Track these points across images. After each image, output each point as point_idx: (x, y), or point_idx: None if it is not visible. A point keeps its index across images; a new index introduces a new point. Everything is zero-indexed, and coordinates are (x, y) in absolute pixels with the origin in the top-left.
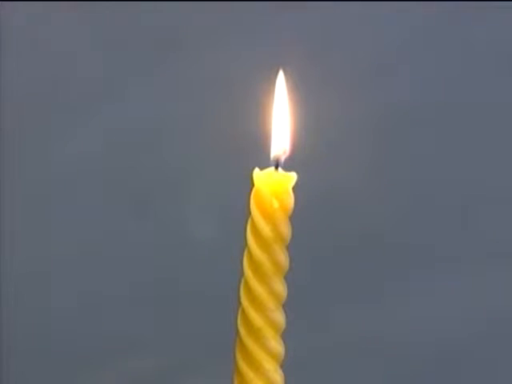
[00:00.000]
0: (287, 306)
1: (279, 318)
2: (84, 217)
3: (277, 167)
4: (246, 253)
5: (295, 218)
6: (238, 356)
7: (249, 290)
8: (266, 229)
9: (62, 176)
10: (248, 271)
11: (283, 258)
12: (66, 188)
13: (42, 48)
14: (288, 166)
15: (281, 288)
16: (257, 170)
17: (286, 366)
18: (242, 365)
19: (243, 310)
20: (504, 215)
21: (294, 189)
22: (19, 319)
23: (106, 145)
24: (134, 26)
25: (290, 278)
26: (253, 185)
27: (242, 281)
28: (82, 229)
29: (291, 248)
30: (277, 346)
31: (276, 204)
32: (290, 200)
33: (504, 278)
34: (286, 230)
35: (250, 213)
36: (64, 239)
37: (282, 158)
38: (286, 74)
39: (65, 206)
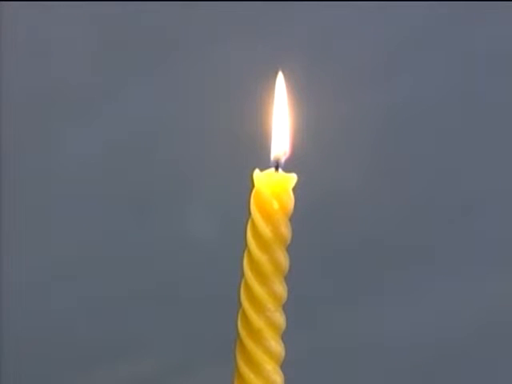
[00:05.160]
0: (287, 307)
1: (279, 318)
2: (84, 217)
3: (277, 168)
4: (246, 253)
5: (295, 218)
6: (238, 357)
7: (249, 290)
8: (266, 230)
9: (62, 176)
10: (248, 272)
11: (283, 258)
12: (66, 188)
13: (42, 48)
14: (288, 166)
15: (281, 289)
16: (257, 171)
17: (285, 366)
18: (242, 365)
19: (243, 311)
20: (504, 216)
21: (294, 190)
22: (19, 319)
23: (105, 145)
24: (134, 25)
25: (290, 278)
26: (253, 186)
27: (242, 281)
28: (83, 229)
29: (291, 249)
30: (277, 346)
31: (276, 205)
32: (290, 201)
33: (503, 278)
34: (286, 230)
35: (250, 214)
36: (64, 239)
37: (283, 159)
38: (285, 74)
39: (65, 207)
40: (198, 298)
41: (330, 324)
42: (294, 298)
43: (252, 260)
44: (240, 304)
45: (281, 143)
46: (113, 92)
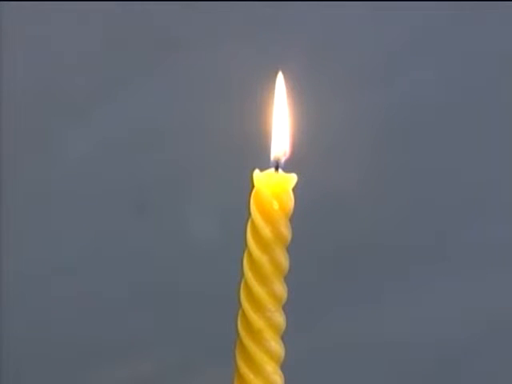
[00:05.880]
0: (287, 307)
1: (279, 319)
2: (84, 219)
3: (277, 168)
4: (246, 254)
5: (295, 219)
6: (238, 357)
7: (249, 291)
8: (265, 230)
9: (61, 176)
10: (248, 272)
11: (283, 259)
12: (66, 188)
13: (42, 48)
14: (288, 167)
15: (281, 289)
16: (257, 171)
17: (285, 367)
18: (242, 366)
19: (243, 312)
20: (504, 216)
21: (294, 190)
22: (18, 321)
23: (105, 145)
24: (134, 25)
25: (289, 279)
26: (253, 186)
27: (242, 282)
28: (82, 229)
29: (291, 249)
30: (277, 347)
31: (276, 205)
32: (290, 201)
33: (504, 279)
34: (285, 231)
35: (250, 214)
36: (64, 240)
37: (282, 160)
38: (285, 75)
39: (64, 207)
40: (198, 298)
41: (330, 324)
42: (293, 298)
43: (252, 260)
44: (240, 304)
45: (281, 143)
46: (113, 92)
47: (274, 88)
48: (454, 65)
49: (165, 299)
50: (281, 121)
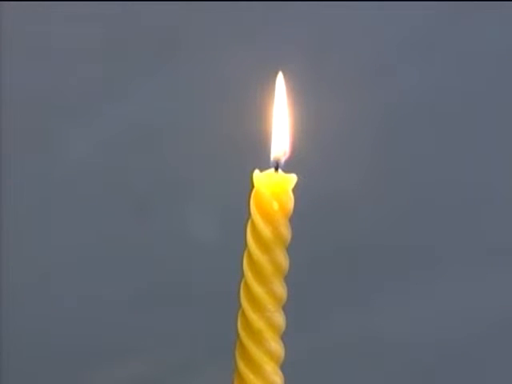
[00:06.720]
0: (287, 308)
1: (279, 319)
2: (84, 219)
3: (277, 169)
4: (246, 254)
5: (295, 219)
6: (238, 357)
7: (249, 291)
8: (265, 230)
9: (61, 177)
10: (248, 273)
11: (283, 259)
12: (66, 189)
13: (42, 48)
14: (288, 167)
15: (281, 289)
16: (257, 172)
17: (285, 367)
18: (242, 366)
19: (243, 312)
20: (504, 216)
21: (294, 190)
22: (18, 322)
23: (105, 145)
24: (134, 25)
25: (289, 279)
26: (253, 186)
27: (242, 282)
28: (82, 231)
29: (291, 249)
30: (277, 347)
31: (276, 205)
32: (290, 201)
33: (504, 278)
34: (285, 231)
35: (250, 214)
36: (64, 241)
37: (282, 160)
38: (285, 75)
39: (65, 207)
40: (197, 298)
41: (330, 324)
42: (293, 298)
43: (252, 260)
44: (240, 305)
45: (281, 143)
46: (113, 92)
47: (274, 88)
48: (454, 65)
49: (165, 300)
50: (281, 121)
